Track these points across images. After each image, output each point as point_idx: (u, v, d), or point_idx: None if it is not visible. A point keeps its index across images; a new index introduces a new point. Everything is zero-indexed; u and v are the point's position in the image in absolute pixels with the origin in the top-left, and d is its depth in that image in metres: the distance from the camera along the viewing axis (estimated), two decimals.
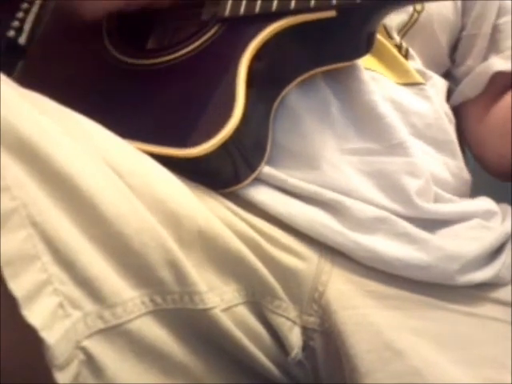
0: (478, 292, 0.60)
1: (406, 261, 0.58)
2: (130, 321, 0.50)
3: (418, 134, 0.64)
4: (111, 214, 0.49)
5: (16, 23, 0.66)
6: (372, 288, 0.59)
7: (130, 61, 0.62)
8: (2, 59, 0.65)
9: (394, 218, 0.59)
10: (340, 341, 0.56)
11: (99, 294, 0.48)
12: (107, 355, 0.49)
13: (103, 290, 0.48)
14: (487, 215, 0.65)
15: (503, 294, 0.61)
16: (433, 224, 0.61)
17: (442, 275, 0.59)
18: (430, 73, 0.68)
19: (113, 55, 0.63)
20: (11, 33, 0.66)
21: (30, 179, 0.46)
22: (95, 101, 0.60)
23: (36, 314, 0.45)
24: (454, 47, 0.72)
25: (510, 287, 0.62)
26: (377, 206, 0.60)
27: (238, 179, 0.58)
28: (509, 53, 0.70)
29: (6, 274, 0.44)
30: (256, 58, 0.56)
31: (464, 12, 0.71)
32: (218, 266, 0.55)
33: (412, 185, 0.60)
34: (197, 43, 0.59)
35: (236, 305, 0.56)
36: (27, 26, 0.66)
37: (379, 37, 0.63)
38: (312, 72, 0.59)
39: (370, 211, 0.59)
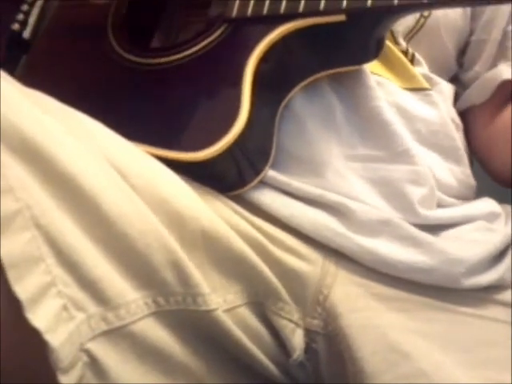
0: (482, 294, 0.60)
1: (409, 264, 0.58)
2: (133, 322, 0.50)
3: (423, 140, 0.64)
4: (114, 215, 0.48)
5: (21, 16, 0.65)
6: (377, 290, 0.59)
7: (135, 59, 0.61)
8: (5, 52, 0.64)
9: (397, 220, 0.59)
10: (345, 344, 0.56)
11: (103, 296, 0.48)
12: (110, 357, 0.49)
13: (107, 292, 0.48)
14: (491, 217, 0.65)
15: (507, 295, 0.61)
16: (436, 227, 0.61)
17: (446, 278, 0.59)
18: (436, 78, 0.68)
19: (117, 53, 0.62)
20: (16, 26, 0.65)
21: (33, 180, 0.46)
22: (99, 100, 0.59)
23: (40, 317, 0.44)
24: (463, 51, 0.72)
25: None
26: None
27: (242, 182, 0.58)
28: None
29: (11, 276, 0.44)
30: (262, 60, 0.56)
31: (473, 17, 0.70)
32: (221, 266, 0.55)
33: (415, 193, 0.60)
34: (203, 43, 0.59)
35: (239, 306, 0.56)
36: (32, 20, 0.65)
37: (386, 41, 0.62)
38: (318, 75, 0.59)
39: (374, 214, 0.59)
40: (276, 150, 0.59)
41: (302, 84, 0.59)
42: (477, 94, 0.70)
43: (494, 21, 0.69)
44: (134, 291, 0.50)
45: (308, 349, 0.59)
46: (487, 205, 0.66)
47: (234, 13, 0.59)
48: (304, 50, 0.58)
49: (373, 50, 0.58)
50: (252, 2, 0.58)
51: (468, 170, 0.68)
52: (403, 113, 0.63)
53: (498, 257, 0.62)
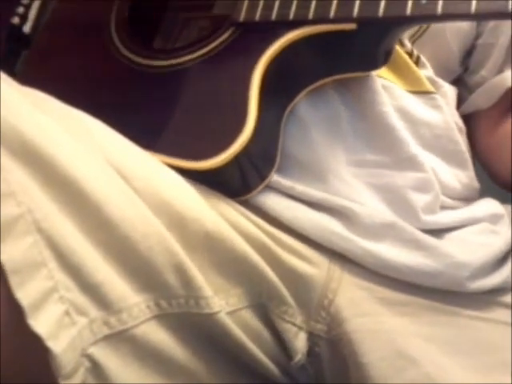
0: (488, 297, 0.61)
1: (414, 267, 0.58)
2: (135, 326, 0.50)
3: (427, 145, 0.63)
4: (117, 218, 0.48)
5: (21, 9, 0.64)
6: (382, 294, 0.59)
7: (138, 60, 0.60)
8: (5, 48, 0.63)
9: (401, 224, 0.59)
10: (349, 349, 0.56)
11: (105, 300, 0.48)
12: (111, 361, 0.49)
13: (109, 296, 0.48)
14: (494, 219, 0.65)
15: (510, 297, 0.62)
16: (439, 230, 0.61)
17: (451, 282, 0.59)
18: (441, 81, 0.67)
19: (120, 51, 0.61)
20: (15, 20, 0.64)
21: (34, 183, 0.45)
22: (101, 100, 0.58)
23: (42, 323, 0.44)
24: (468, 54, 0.71)
25: None
26: None
27: (248, 189, 0.57)
28: None
29: (13, 282, 0.43)
30: (270, 66, 0.55)
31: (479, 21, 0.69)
32: (224, 269, 0.54)
33: (419, 200, 0.60)
34: (209, 47, 0.58)
35: (241, 308, 0.56)
36: (32, 13, 0.64)
37: None
38: (325, 80, 0.58)
39: (378, 217, 0.59)
40: (281, 154, 0.58)
41: (308, 89, 0.58)
42: (483, 98, 0.70)
43: (501, 26, 0.69)
44: (135, 295, 0.50)
45: (310, 352, 0.59)
46: (490, 206, 0.66)
47: (242, 16, 0.57)
48: (312, 56, 0.57)
49: (382, 58, 0.57)
50: (260, 6, 0.57)
51: (472, 173, 0.67)
52: (407, 117, 0.62)
53: (502, 259, 0.62)
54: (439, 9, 0.52)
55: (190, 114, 0.56)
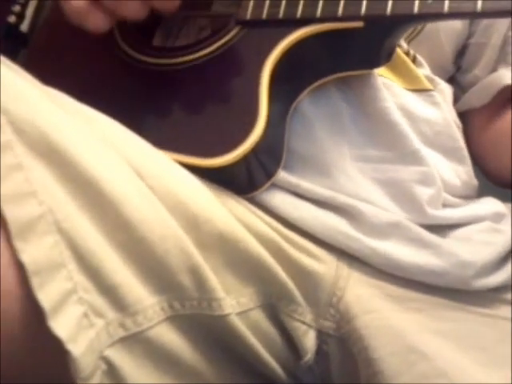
0: (493, 294, 0.61)
1: (419, 266, 0.59)
2: (149, 328, 0.49)
3: (428, 141, 0.64)
4: (136, 220, 0.48)
5: (17, 8, 0.63)
6: (390, 291, 0.59)
7: (145, 59, 0.59)
8: (2, 47, 0.61)
9: (406, 222, 0.60)
10: (359, 345, 0.57)
11: (122, 302, 0.47)
12: (126, 363, 0.48)
13: (126, 298, 0.48)
14: (497, 217, 0.65)
15: None
16: (444, 227, 0.62)
17: (456, 280, 0.59)
18: (437, 79, 0.68)
19: (122, 49, 0.60)
20: (12, 18, 0.63)
21: (55, 183, 0.45)
22: (107, 99, 0.57)
23: (62, 326, 0.44)
24: (460, 54, 0.72)
25: None
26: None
27: (254, 187, 0.57)
28: None
29: (34, 283, 0.43)
30: (277, 64, 0.55)
31: (472, 20, 0.70)
32: (236, 268, 0.54)
33: (424, 194, 0.60)
34: (216, 45, 0.57)
35: (252, 309, 0.56)
36: (29, 11, 0.63)
37: None
38: (329, 78, 0.58)
39: (383, 216, 0.59)
40: (286, 151, 0.58)
41: (312, 87, 0.58)
42: (477, 97, 0.71)
43: (494, 25, 0.70)
44: (150, 296, 0.49)
45: (319, 351, 0.59)
46: (493, 205, 0.67)
47: (249, 15, 0.57)
48: (317, 54, 0.57)
49: (385, 55, 0.58)
50: (267, 4, 0.57)
51: (471, 170, 0.68)
52: (408, 114, 0.63)
53: (505, 257, 0.63)
54: (446, 7, 0.52)
55: (199, 112, 0.56)
